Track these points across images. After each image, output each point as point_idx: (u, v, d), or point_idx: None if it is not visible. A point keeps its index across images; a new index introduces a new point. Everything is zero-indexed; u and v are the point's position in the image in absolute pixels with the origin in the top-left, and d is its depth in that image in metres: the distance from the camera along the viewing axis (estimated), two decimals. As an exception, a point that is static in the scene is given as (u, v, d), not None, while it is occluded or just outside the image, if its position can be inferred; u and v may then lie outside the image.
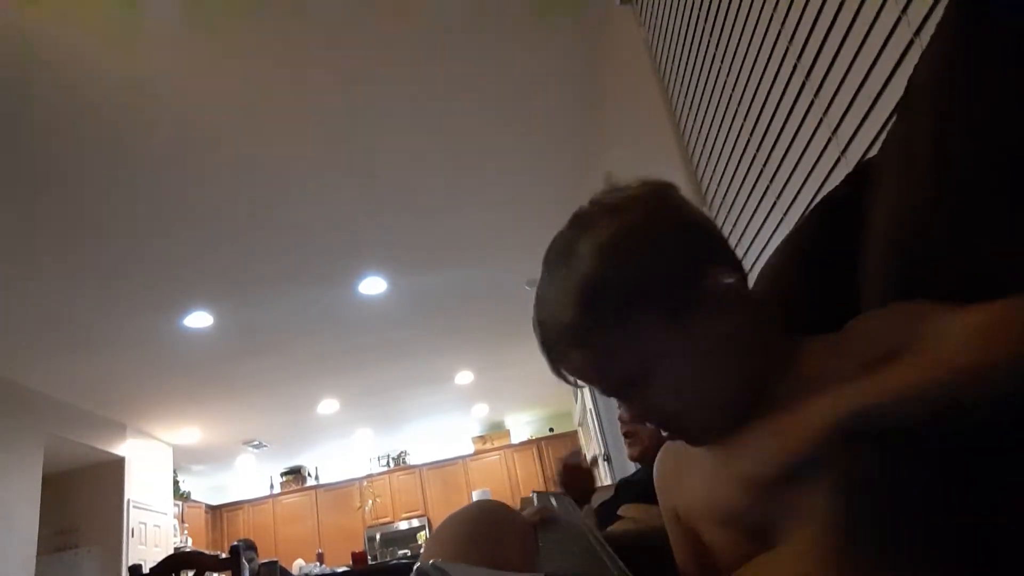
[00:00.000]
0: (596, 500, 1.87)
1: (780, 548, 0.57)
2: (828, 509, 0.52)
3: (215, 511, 8.51)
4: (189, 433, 6.66)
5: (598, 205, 0.65)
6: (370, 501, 8.38)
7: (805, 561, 0.53)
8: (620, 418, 1.63)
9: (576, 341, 0.62)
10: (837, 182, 0.82)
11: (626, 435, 1.61)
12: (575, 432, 8.57)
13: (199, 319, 4.37)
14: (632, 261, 0.60)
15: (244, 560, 2.78)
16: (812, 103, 1.22)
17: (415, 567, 0.55)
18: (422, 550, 0.80)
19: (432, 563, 0.54)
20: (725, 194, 1.76)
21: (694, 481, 0.71)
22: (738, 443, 0.64)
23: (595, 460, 5.46)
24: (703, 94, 1.81)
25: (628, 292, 0.59)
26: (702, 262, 0.61)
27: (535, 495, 0.91)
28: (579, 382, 0.67)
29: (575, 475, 1.80)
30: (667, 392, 0.61)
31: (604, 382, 0.64)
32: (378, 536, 8.10)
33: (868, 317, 0.59)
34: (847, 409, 0.51)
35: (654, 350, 0.60)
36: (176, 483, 7.22)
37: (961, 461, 0.51)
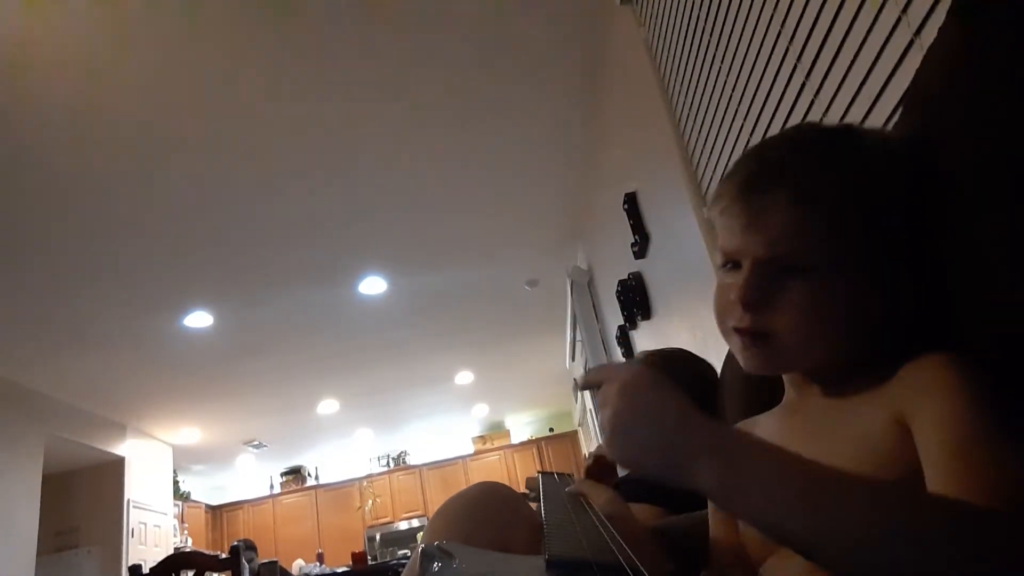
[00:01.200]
0: None
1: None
2: None
3: (215, 511, 8.51)
4: (189, 433, 6.66)
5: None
6: (370, 501, 8.38)
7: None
8: None
9: (804, 187, 0.59)
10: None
11: None
12: (575, 432, 8.57)
13: (199, 319, 4.37)
14: (899, 195, 0.59)
15: (244, 560, 2.78)
16: (812, 103, 1.22)
17: (420, 548, 0.54)
18: (424, 529, 0.79)
19: (437, 544, 0.53)
20: (725, 194, 1.76)
21: None
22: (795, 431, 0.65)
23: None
24: (703, 94, 1.81)
25: (875, 211, 0.58)
26: (911, 251, 0.60)
27: (540, 475, 0.91)
28: (723, 219, 0.64)
29: (602, 466, 1.76)
30: (804, 302, 0.58)
31: (773, 242, 0.59)
32: (378, 536, 8.10)
33: (913, 368, 0.57)
34: None
35: (837, 255, 0.58)
36: (176, 483, 7.22)
37: None
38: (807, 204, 0.58)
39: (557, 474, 0.92)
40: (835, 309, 0.59)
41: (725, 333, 0.65)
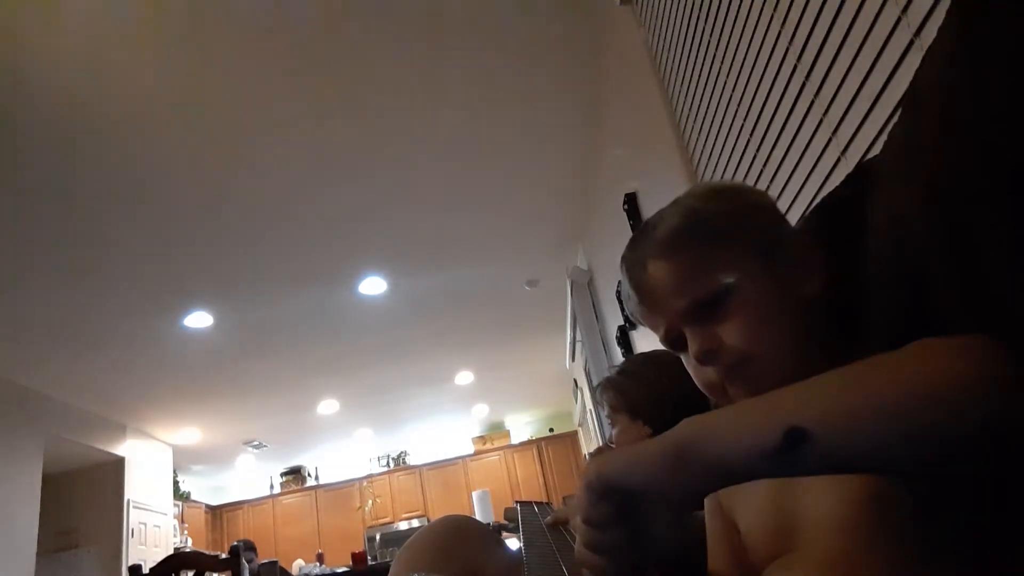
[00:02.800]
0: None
1: (804, 549, 0.57)
2: (852, 512, 0.52)
3: (215, 511, 8.51)
4: (189, 433, 6.66)
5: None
6: (370, 501, 8.38)
7: (825, 564, 0.53)
8: (609, 441, 1.60)
9: (671, 249, 0.66)
10: (837, 182, 0.82)
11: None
12: (575, 432, 8.57)
13: (199, 319, 4.37)
14: (737, 201, 0.70)
15: (244, 560, 2.78)
16: (812, 103, 1.22)
17: None
18: (392, 565, 0.78)
19: (416, 575, 0.53)
20: (725, 194, 1.76)
21: None
22: None
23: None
24: (703, 94, 1.81)
25: (730, 220, 0.66)
26: (790, 228, 0.70)
27: (518, 505, 0.90)
28: (643, 312, 0.69)
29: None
30: (740, 323, 0.62)
31: (685, 296, 0.64)
32: (378, 536, 8.10)
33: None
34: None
35: (742, 274, 0.63)
36: (176, 483, 7.22)
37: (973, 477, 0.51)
38: (672, 252, 0.65)
39: (536, 503, 0.92)
40: (768, 304, 0.63)
41: (720, 397, 0.67)
